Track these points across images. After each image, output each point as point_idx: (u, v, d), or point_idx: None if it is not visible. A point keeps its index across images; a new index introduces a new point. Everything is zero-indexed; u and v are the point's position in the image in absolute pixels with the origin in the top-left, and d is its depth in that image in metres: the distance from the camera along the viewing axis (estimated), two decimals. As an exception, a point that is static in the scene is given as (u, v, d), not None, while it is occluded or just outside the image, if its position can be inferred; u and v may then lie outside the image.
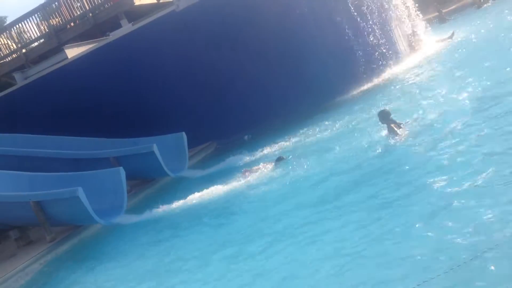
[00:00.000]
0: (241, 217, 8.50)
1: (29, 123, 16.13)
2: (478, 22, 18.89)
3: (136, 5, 17.84)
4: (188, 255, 7.73)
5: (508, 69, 10.26)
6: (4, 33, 19.89)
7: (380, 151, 8.69)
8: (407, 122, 9.24)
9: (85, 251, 10.20)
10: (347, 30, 15.47)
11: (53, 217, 10.83)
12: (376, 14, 16.08)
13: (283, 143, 12.47)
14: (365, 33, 15.66)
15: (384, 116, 8.93)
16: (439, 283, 4.38)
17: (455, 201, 5.69)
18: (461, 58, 13.95)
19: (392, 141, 8.73)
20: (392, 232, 5.71)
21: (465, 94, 9.77)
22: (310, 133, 12.42)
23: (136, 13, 17.78)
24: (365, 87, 15.39)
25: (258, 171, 10.47)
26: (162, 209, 10.61)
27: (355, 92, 15.30)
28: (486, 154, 6.59)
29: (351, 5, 15.43)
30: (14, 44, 19.82)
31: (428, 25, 19.61)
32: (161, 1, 19.12)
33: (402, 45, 17.41)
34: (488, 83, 9.82)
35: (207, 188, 10.68)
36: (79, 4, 18.55)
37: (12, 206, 10.97)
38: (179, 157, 13.87)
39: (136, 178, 13.59)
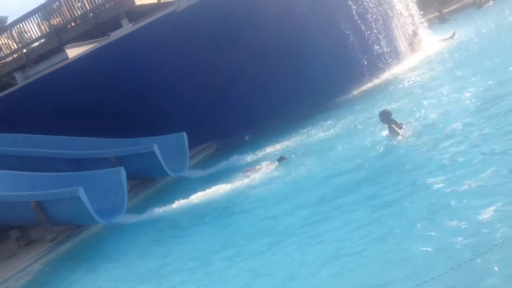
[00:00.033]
0: (243, 217, 8.48)
1: (29, 123, 16.14)
2: (479, 22, 18.88)
3: (137, 5, 17.85)
4: (189, 255, 7.73)
5: (509, 68, 10.26)
6: (5, 33, 19.91)
7: (381, 151, 8.69)
8: (409, 122, 9.23)
9: (86, 251, 10.21)
10: (347, 30, 15.47)
11: (53, 217, 10.83)
12: (377, 14, 16.07)
13: (284, 143, 12.46)
14: (366, 33, 15.65)
15: (385, 116, 8.92)
16: (439, 283, 4.38)
17: (456, 201, 5.69)
18: (462, 58, 13.95)
19: (393, 141, 8.72)
20: (393, 232, 5.70)
21: (466, 94, 9.77)
22: (311, 133, 12.42)
23: (137, 13, 17.80)
24: (366, 87, 15.39)
25: (260, 170, 10.47)
26: (163, 209, 10.61)
27: (356, 92, 15.30)
28: (487, 154, 6.58)
29: (351, 4, 15.42)
30: (14, 44, 19.84)
31: (428, 25, 19.63)
32: (161, 1, 19.13)
33: (402, 45, 17.40)
34: (490, 82, 9.82)
35: (207, 188, 10.68)
36: (79, 4, 18.57)
37: (13, 206, 10.97)
38: (179, 157, 13.87)
39: (136, 178, 13.59)
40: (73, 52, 16.82)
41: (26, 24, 19.49)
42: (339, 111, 13.46)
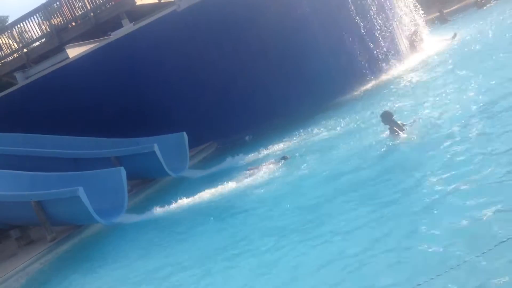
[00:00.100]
0: (244, 217, 8.47)
1: (30, 122, 16.14)
2: (480, 22, 18.85)
3: (138, 5, 17.85)
4: (189, 255, 7.72)
5: (510, 69, 10.25)
6: (6, 33, 19.91)
7: (382, 151, 8.67)
8: (410, 122, 9.22)
9: (86, 251, 10.20)
10: (348, 30, 15.47)
11: (53, 216, 10.83)
12: (377, 13, 16.06)
13: (285, 143, 12.44)
14: (366, 32, 15.64)
15: (386, 117, 8.92)
16: (439, 283, 4.37)
17: (457, 201, 5.69)
18: (463, 58, 13.93)
19: (394, 141, 8.71)
20: (394, 232, 5.69)
21: (467, 94, 9.77)
22: (312, 132, 12.38)
23: (138, 13, 17.80)
24: (366, 87, 15.37)
25: (262, 170, 10.45)
26: (163, 209, 10.60)
27: (356, 92, 15.28)
28: (488, 154, 6.57)
29: (352, 4, 15.42)
30: (15, 44, 19.85)
31: (429, 25, 19.61)
32: (162, 1, 19.14)
33: (403, 44, 17.39)
34: (492, 82, 9.80)
35: (208, 188, 10.67)
36: (80, 3, 18.57)
37: (13, 206, 10.97)
38: (180, 157, 13.86)
39: (137, 178, 13.59)
40: (73, 52, 16.82)
41: (26, 24, 19.49)
42: (340, 111, 13.44)
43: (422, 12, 19.62)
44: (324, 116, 13.55)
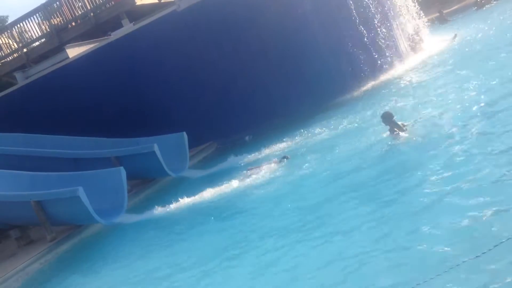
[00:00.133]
0: (244, 217, 8.46)
1: (30, 122, 16.14)
2: (481, 22, 18.85)
3: (138, 5, 17.85)
4: (189, 255, 7.72)
5: (510, 69, 10.25)
6: (5, 33, 19.91)
7: (383, 151, 8.68)
8: (411, 122, 9.23)
9: (86, 251, 10.20)
10: (348, 30, 15.47)
11: (53, 216, 10.83)
12: (377, 14, 16.06)
13: (285, 143, 12.44)
14: (366, 32, 15.64)
15: (387, 118, 8.94)
16: (439, 283, 4.37)
17: (457, 201, 5.68)
18: (463, 59, 13.93)
19: (395, 142, 8.71)
20: (395, 232, 5.69)
21: (467, 94, 9.77)
22: (313, 132, 12.38)
23: (138, 13, 17.80)
24: (366, 87, 15.37)
25: (262, 170, 10.44)
26: (163, 209, 10.60)
27: (356, 92, 15.28)
28: (489, 154, 6.58)
29: (352, 4, 15.42)
30: (15, 44, 19.85)
31: (429, 25, 19.61)
32: (162, 1, 19.13)
33: (403, 45, 17.40)
34: (493, 83, 9.80)
35: (208, 188, 10.67)
36: (80, 3, 18.56)
37: (13, 206, 10.97)
38: (180, 157, 13.86)
39: (136, 178, 13.59)
40: (73, 51, 16.82)
41: (26, 24, 19.49)
42: (340, 111, 13.45)
43: (423, 12, 19.62)
44: (324, 116, 13.55)
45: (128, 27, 16.65)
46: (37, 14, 19.12)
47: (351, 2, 15.40)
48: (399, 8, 17.84)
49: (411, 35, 18.00)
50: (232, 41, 15.29)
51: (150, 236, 9.56)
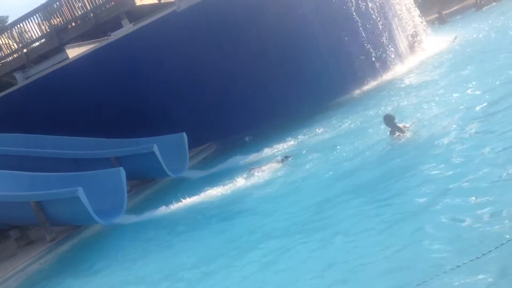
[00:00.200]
0: (244, 218, 8.44)
1: (30, 123, 16.14)
2: (480, 23, 18.86)
3: (137, 5, 17.85)
4: (189, 256, 7.72)
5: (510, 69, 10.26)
6: (5, 33, 19.91)
7: (384, 151, 8.68)
8: (412, 123, 9.24)
9: (85, 251, 10.19)
10: (348, 30, 15.48)
11: (53, 217, 10.82)
12: (377, 14, 16.08)
13: (285, 143, 12.44)
14: (366, 33, 15.65)
15: (388, 120, 8.97)
16: (439, 283, 4.38)
17: (459, 202, 5.69)
18: (463, 59, 13.94)
19: (396, 143, 8.72)
20: (396, 232, 5.69)
21: (468, 95, 9.78)
22: (313, 132, 12.37)
23: (137, 13, 17.80)
24: (366, 87, 15.38)
25: (264, 170, 10.43)
26: (163, 209, 10.59)
27: (356, 92, 15.29)
28: (489, 154, 6.58)
29: (351, 4, 15.43)
30: (15, 44, 19.85)
31: (428, 26, 19.62)
32: (162, 1, 19.14)
33: (403, 45, 17.41)
34: (492, 83, 9.81)
35: (208, 188, 10.67)
36: (80, 4, 18.57)
37: (13, 206, 10.96)
38: (179, 157, 13.86)
39: (136, 178, 13.59)
40: (73, 52, 16.82)
41: (26, 24, 19.49)
42: (340, 112, 13.46)
43: (423, 13, 19.63)
44: (324, 116, 13.55)
45: (128, 28, 16.65)
46: (37, 15, 19.12)
47: (351, 2, 15.40)
48: (399, 8, 17.84)
49: (411, 36, 18.01)
50: (232, 42, 15.29)
51: (149, 237, 9.55)
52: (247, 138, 15.06)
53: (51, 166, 12.85)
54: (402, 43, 17.46)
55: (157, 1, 19.15)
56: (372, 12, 15.93)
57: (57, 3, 18.75)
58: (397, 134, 8.82)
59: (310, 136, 12.21)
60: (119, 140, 14.45)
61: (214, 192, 10.37)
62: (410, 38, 17.92)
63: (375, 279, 4.93)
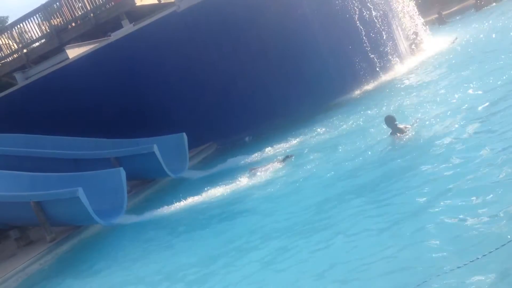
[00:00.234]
0: (245, 218, 8.44)
1: (30, 123, 16.14)
2: (480, 24, 18.86)
3: (138, 6, 17.85)
4: (189, 256, 7.72)
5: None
6: (5, 33, 19.91)
7: (385, 152, 8.67)
8: (412, 123, 9.25)
9: (85, 252, 10.19)
10: (348, 31, 15.48)
11: (53, 217, 10.82)
12: (377, 14, 16.08)
13: (285, 143, 12.44)
14: (366, 33, 15.65)
15: (389, 122, 9.00)
16: (439, 284, 4.38)
17: (459, 203, 5.69)
18: (463, 60, 13.93)
19: (398, 143, 8.72)
20: (397, 232, 5.69)
21: (468, 95, 9.78)
22: (314, 133, 12.37)
23: (137, 14, 17.81)
24: (366, 88, 15.38)
25: (265, 170, 10.41)
26: (163, 210, 10.59)
27: (356, 93, 15.29)
28: (489, 154, 6.59)
29: (351, 5, 15.44)
30: (15, 44, 19.85)
31: (428, 27, 19.62)
32: (162, 2, 19.14)
33: (403, 46, 17.42)
34: (492, 83, 9.81)
35: (208, 188, 10.67)
36: (80, 4, 18.57)
37: (13, 206, 10.96)
38: (179, 157, 13.86)
39: (136, 178, 13.59)
40: (73, 52, 16.82)
41: (26, 24, 19.50)
42: (340, 112, 13.46)
43: (423, 13, 19.63)
44: (324, 117, 13.55)
45: (128, 28, 16.65)
46: (37, 15, 19.12)
47: (351, 3, 15.41)
48: (399, 9, 17.85)
49: (411, 36, 18.01)
50: (232, 42, 15.29)
51: (149, 237, 9.55)
52: (247, 139, 15.06)
53: (51, 167, 12.85)
54: (402, 44, 17.47)
55: (157, 2, 19.15)
56: (372, 12, 15.93)
57: (57, 3, 18.75)
58: (398, 134, 8.83)
59: (311, 136, 12.20)
60: (119, 140, 14.45)
61: (214, 192, 10.37)
62: (410, 39, 17.93)
63: (376, 279, 4.94)
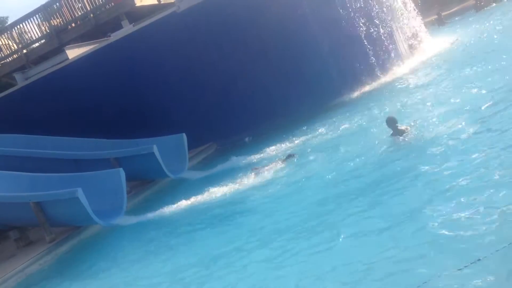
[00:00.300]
0: (246, 218, 8.42)
1: (29, 123, 16.13)
2: (481, 25, 18.86)
3: (137, 6, 17.85)
4: (189, 257, 7.70)
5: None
6: (5, 34, 19.91)
7: (387, 153, 8.66)
8: (413, 123, 9.25)
9: (85, 252, 10.18)
10: (348, 31, 15.49)
11: (53, 217, 10.82)
12: (377, 15, 16.09)
13: (285, 143, 12.42)
14: (366, 34, 15.66)
15: (391, 123, 9.02)
16: (439, 284, 4.38)
17: (459, 203, 5.68)
18: (463, 60, 13.94)
19: (399, 144, 8.73)
20: (398, 232, 5.69)
21: (468, 96, 9.79)
22: (314, 133, 12.36)
23: (137, 14, 17.80)
24: (366, 88, 15.38)
25: (268, 169, 10.40)
26: (162, 210, 10.58)
27: (356, 93, 15.29)
28: (490, 155, 6.59)
29: (351, 5, 15.44)
30: (15, 45, 19.85)
31: (428, 27, 19.64)
32: (162, 2, 19.14)
33: (402, 46, 17.42)
34: (493, 84, 9.81)
35: (208, 189, 10.66)
36: (80, 5, 18.57)
37: (12, 207, 10.96)
38: (179, 158, 13.85)
39: (136, 179, 13.58)
40: (73, 53, 16.82)
41: (26, 25, 19.49)
42: (341, 112, 13.46)
43: (423, 14, 19.63)
44: (324, 117, 13.55)
45: (127, 28, 16.65)
46: (37, 15, 19.12)
47: (350, 3, 15.41)
48: (399, 10, 17.86)
49: (411, 37, 18.01)
50: (231, 42, 15.29)
51: (149, 238, 9.53)
52: (246, 139, 15.06)
53: (51, 167, 12.85)
54: (402, 44, 17.47)
55: (157, 2, 19.15)
56: (372, 13, 15.93)
57: (57, 4, 18.75)
58: (399, 137, 8.85)
59: (313, 136, 12.19)
60: (118, 141, 14.46)
61: (214, 193, 10.36)
62: (410, 39, 17.92)
63: (376, 280, 4.93)
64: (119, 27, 17.39)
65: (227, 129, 15.74)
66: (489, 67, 11.55)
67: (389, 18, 16.89)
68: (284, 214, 7.85)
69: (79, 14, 18.61)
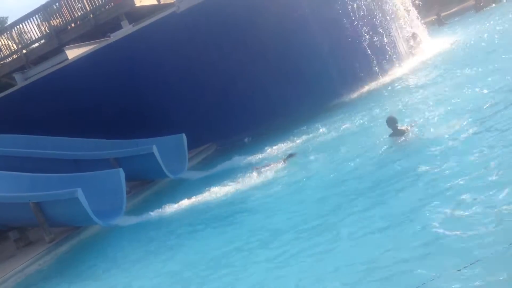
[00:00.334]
0: (246, 218, 8.42)
1: (29, 124, 16.13)
2: (481, 25, 18.86)
3: (137, 7, 17.84)
4: (189, 257, 7.71)
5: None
6: (5, 34, 19.91)
7: (387, 153, 8.66)
8: (413, 123, 9.25)
9: (84, 252, 10.18)
10: (347, 32, 15.49)
11: (52, 218, 10.81)
12: (376, 15, 16.08)
13: (285, 144, 12.42)
14: (366, 34, 15.66)
15: (391, 123, 9.02)
16: (439, 285, 4.37)
17: (459, 204, 5.68)
18: (463, 60, 13.93)
19: (399, 144, 8.72)
20: (398, 233, 5.69)
21: (469, 96, 9.79)
22: (314, 133, 12.35)
23: (137, 14, 17.80)
24: (366, 88, 15.38)
25: (269, 169, 10.39)
26: (162, 211, 10.58)
27: (356, 94, 15.29)
28: (490, 155, 6.58)
29: (351, 6, 15.44)
30: (14, 45, 19.84)
31: (427, 28, 19.63)
32: (162, 3, 19.14)
33: (402, 47, 17.42)
34: (493, 84, 9.81)
35: (208, 189, 10.65)
36: (80, 5, 18.57)
37: (12, 207, 10.96)
38: (179, 158, 13.85)
39: (135, 179, 13.58)
40: (73, 53, 16.82)
41: (26, 25, 19.49)
42: (340, 112, 13.45)
43: (423, 14, 19.62)
44: (324, 117, 13.54)
45: (127, 29, 16.65)
46: (37, 15, 19.12)
47: (350, 4, 15.41)
48: (399, 10, 17.85)
49: (410, 37, 18.01)
50: (231, 42, 15.28)
51: (149, 238, 9.53)
52: (246, 140, 15.05)
53: (50, 167, 12.85)
54: (402, 45, 17.47)
55: (156, 2, 19.15)
56: (372, 13, 15.93)
57: (57, 4, 18.75)
58: (399, 137, 8.85)
59: (313, 136, 12.18)
60: (118, 141, 14.45)
61: (214, 192, 10.35)
62: (409, 40, 17.92)
63: (376, 279, 4.93)
64: (119, 27, 17.39)
65: (227, 129, 15.73)
66: (489, 67, 11.54)
67: (389, 18, 16.88)
68: (284, 214, 7.85)
69: (79, 14, 18.60)
